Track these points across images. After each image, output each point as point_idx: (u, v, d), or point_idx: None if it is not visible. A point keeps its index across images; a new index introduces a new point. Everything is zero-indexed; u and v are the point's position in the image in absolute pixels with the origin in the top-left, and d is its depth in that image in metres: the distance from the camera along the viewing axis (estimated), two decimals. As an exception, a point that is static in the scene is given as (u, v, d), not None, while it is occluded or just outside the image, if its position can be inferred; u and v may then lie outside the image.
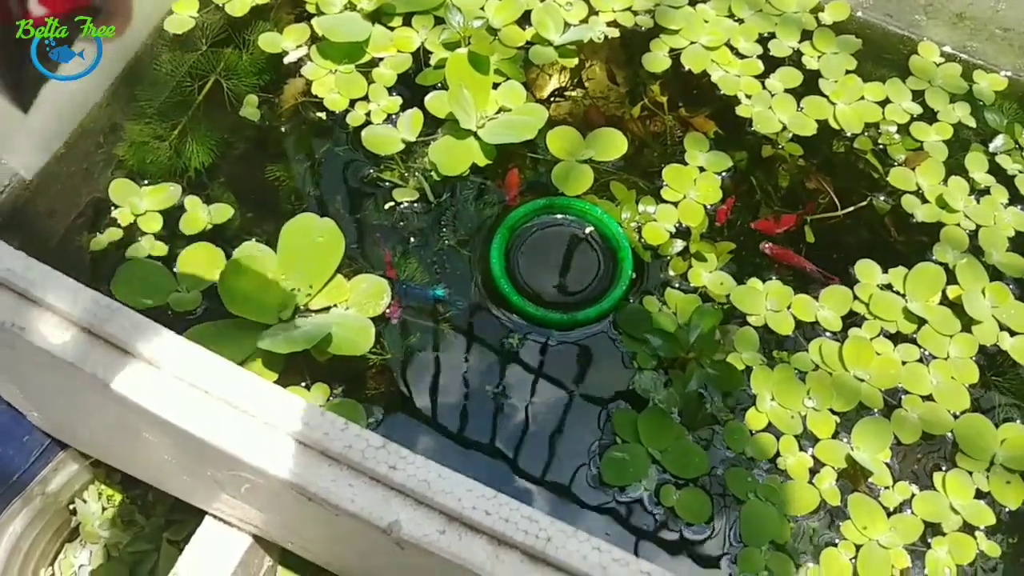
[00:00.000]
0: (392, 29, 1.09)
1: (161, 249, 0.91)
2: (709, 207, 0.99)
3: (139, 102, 1.01)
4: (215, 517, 1.09)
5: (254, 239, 0.92)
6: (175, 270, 0.89)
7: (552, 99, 1.08)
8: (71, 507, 1.27)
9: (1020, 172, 1.05)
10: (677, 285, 0.94)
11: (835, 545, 0.81)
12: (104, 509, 1.29)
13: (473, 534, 0.67)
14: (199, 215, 0.92)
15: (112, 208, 0.93)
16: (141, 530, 1.29)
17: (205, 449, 0.71)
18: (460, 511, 0.66)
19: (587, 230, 0.96)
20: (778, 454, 0.85)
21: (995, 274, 0.97)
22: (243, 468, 0.71)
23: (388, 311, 0.89)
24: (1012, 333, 0.93)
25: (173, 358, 0.71)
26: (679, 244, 0.96)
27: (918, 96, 1.10)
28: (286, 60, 1.06)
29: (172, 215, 0.93)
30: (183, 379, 0.71)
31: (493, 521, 0.66)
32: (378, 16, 1.09)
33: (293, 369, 0.85)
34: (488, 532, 0.66)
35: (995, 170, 1.05)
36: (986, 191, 1.03)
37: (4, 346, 0.76)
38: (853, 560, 0.81)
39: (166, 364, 0.71)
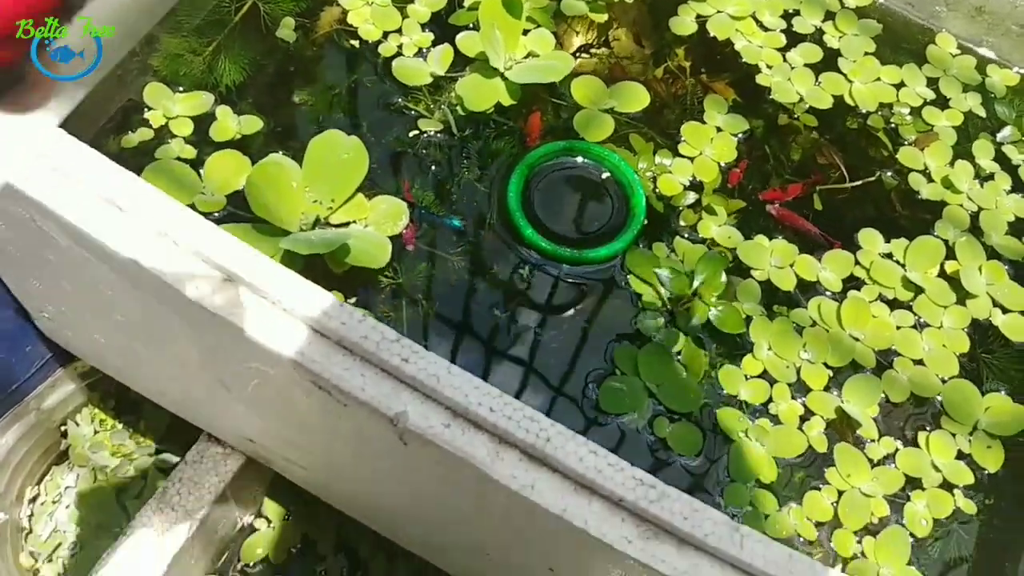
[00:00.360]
0: (429, -31, 1.11)
1: (190, 152, 0.93)
2: (723, 165, 1.02)
3: (177, 16, 1.03)
4: (210, 437, 1.11)
5: (281, 153, 0.94)
6: (201, 173, 0.91)
7: (577, 55, 1.10)
8: (62, 429, 1.28)
9: (1025, 162, 1.09)
10: (686, 235, 0.96)
11: (818, 489, 0.84)
12: (96, 433, 1.31)
13: (476, 430, 0.69)
14: (229, 124, 0.94)
15: (144, 111, 0.95)
16: (131, 456, 1.30)
17: (223, 335, 0.74)
18: (466, 406, 0.68)
19: (603, 175, 0.98)
20: (771, 400, 0.87)
21: (992, 254, 1.00)
22: (259, 356, 0.73)
23: (405, 233, 0.91)
24: (1004, 310, 0.96)
25: (198, 240, 0.73)
26: (691, 196, 0.98)
27: (932, 83, 1.13)
28: (324, -11, 1.09)
29: (203, 122, 0.95)
30: (208, 261, 0.73)
31: (496, 418, 0.68)
32: (417, -46, 1.11)
33: (309, 277, 0.86)
34: (491, 429, 0.69)
35: (1000, 158, 1.08)
36: (990, 177, 1.06)
37: (34, 227, 0.78)
38: (835, 504, 0.83)
39: (192, 245, 0.73)
